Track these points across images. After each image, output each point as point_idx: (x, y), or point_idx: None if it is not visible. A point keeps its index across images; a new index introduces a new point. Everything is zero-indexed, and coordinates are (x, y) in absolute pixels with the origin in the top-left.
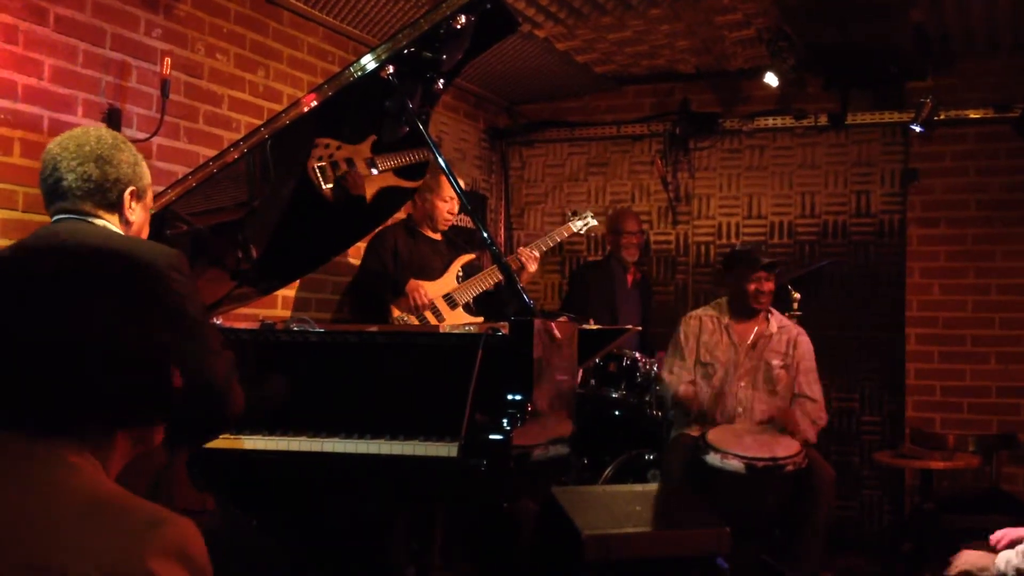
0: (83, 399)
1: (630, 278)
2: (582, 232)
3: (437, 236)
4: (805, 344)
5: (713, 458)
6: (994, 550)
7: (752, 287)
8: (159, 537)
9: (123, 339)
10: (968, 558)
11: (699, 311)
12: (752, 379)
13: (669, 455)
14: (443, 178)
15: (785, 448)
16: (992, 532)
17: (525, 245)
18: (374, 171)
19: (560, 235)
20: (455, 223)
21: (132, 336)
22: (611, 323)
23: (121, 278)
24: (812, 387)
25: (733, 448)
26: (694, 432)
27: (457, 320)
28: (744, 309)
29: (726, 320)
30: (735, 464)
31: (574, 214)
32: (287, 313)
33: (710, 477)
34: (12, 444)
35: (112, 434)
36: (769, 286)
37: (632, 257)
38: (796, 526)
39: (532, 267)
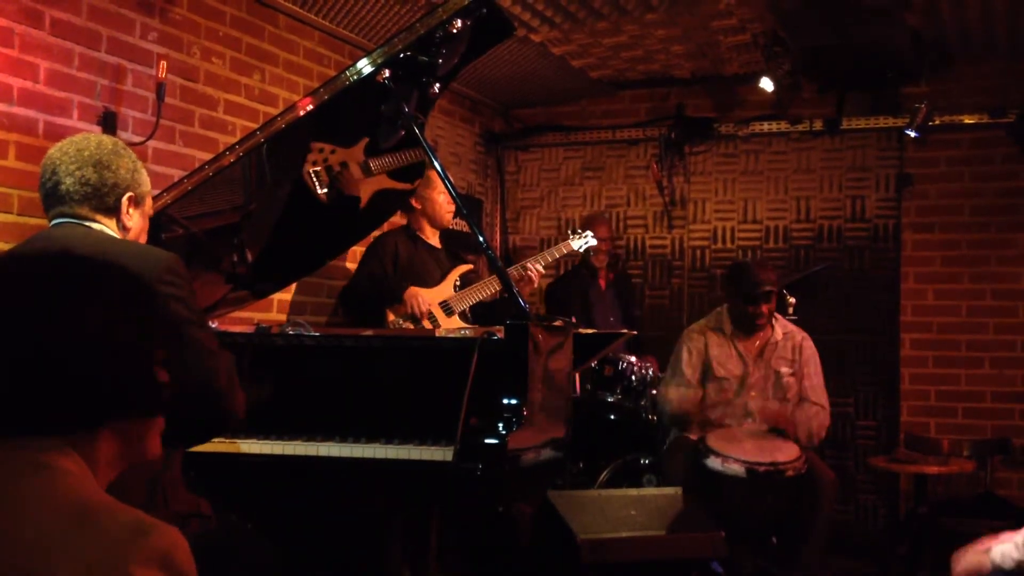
0: (58, 394)
1: (603, 281)
2: (580, 251)
3: (437, 244)
4: (809, 349)
5: (713, 462)
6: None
7: (751, 310)
8: (143, 546)
9: (99, 334)
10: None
11: (700, 325)
12: (762, 389)
13: (668, 458)
14: (434, 172)
15: (786, 453)
16: (984, 536)
17: (520, 249)
18: (368, 174)
19: (560, 251)
20: (451, 227)
21: (109, 331)
22: (587, 327)
23: (102, 278)
24: (818, 393)
25: (734, 452)
26: (693, 435)
27: (453, 327)
28: (745, 326)
29: (730, 332)
30: (736, 468)
31: (574, 232)
32: (283, 317)
33: (710, 481)
34: None
35: (95, 431)
36: (768, 309)
37: (600, 264)
38: (796, 531)
39: (537, 282)
